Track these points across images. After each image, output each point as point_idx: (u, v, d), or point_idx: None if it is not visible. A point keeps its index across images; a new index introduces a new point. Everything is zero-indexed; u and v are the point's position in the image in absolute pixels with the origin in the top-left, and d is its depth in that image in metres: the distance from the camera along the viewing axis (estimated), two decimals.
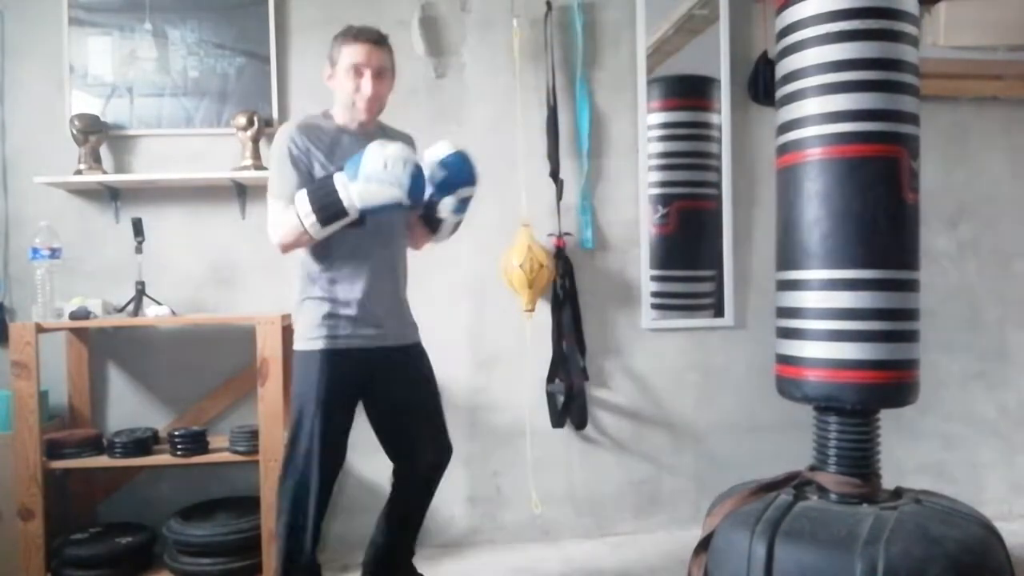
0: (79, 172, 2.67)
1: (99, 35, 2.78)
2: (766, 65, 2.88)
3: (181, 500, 2.71)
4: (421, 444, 2.13)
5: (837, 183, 2.05)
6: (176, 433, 2.51)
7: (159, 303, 2.61)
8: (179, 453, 2.50)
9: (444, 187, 1.96)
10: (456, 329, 2.90)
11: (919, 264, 2.13)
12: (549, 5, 2.88)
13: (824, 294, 2.07)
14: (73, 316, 2.49)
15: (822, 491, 2.10)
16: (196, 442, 2.52)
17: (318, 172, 1.95)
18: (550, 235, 2.89)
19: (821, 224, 2.07)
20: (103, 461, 2.50)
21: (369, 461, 2.76)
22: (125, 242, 2.70)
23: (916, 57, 2.11)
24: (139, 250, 2.65)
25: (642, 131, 2.97)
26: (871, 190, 2.03)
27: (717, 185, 3.01)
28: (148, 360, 2.81)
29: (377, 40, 2.01)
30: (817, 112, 2.07)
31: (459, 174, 1.97)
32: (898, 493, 2.11)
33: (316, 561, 2.04)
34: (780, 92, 2.21)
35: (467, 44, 2.91)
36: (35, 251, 2.53)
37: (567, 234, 2.91)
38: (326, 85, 2.07)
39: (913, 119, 2.09)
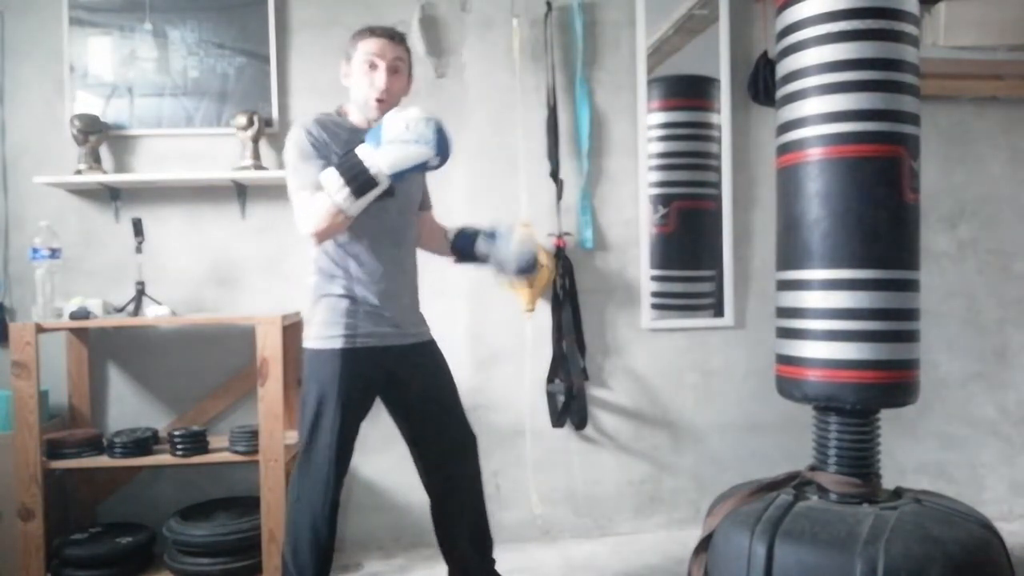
0: (79, 172, 2.67)
1: (99, 35, 2.78)
2: (766, 65, 2.88)
3: (181, 500, 2.71)
4: (445, 435, 2.12)
5: (837, 183, 2.05)
6: (176, 433, 2.51)
7: (159, 303, 2.61)
8: (179, 453, 2.50)
9: (519, 270, 2.11)
10: (456, 329, 2.90)
11: (919, 264, 2.12)
12: (549, 5, 2.88)
13: (824, 294, 2.07)
14: (73, 316, 2.49)
15: (822, 491, 2.10)
16: (196, 442, 2.52)
17: None
18: (550, 235, 2.89)
19: (821, 224, 2.07)
20: (103, 461, 2.50)
21: (370, 461, 2.77)
22: (125, 242, 2.70)
23: (916, 57, 2.11)
24: (139, 250, 2.65)
25: (642, 131, 2.97)
26: (871, 190, 2.03)
27: (717, 185, 3.01)
28: (148, 360, 2.81)
29: (392, 36, 2.00)
30: (817, 112, 2.07)
31: (527, 266, 2.12)
32: (898, 493, 2.11)
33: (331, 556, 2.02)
34: (780, 92, 2.21)
35: (467, 44, 2.91)
36: (35, 251, 2.53)
37: (567, 234, 2.91)
38: (342, 84, 2.03)
39: (913, 119, 2.09)
